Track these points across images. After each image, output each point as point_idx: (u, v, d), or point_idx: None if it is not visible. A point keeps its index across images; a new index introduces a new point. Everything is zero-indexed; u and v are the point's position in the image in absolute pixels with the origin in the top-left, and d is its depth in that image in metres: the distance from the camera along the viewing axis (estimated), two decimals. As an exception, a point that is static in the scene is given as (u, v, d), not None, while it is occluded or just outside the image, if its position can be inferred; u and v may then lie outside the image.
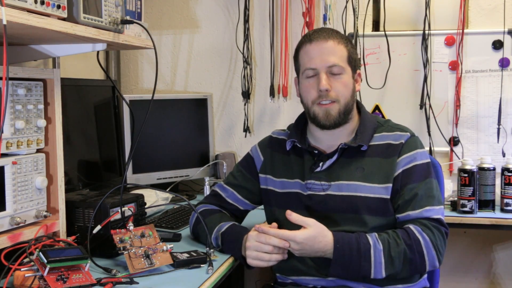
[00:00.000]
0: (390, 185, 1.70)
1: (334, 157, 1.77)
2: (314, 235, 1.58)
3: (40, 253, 1.39)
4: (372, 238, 1.62)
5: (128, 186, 2.37)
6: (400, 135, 1.77)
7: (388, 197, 1.70)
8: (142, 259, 1.61)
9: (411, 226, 1.65)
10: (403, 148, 1.74)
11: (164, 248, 1.67)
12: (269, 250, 1.61)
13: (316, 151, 1.81)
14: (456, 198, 2.47)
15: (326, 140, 1.80)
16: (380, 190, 1.70)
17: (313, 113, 1.77)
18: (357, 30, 2.76)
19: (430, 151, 2.74)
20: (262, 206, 1.94)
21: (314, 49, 1.75)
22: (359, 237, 1.62)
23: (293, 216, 1.61)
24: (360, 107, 1.85)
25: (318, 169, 1.78)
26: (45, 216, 1.61)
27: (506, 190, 2.44)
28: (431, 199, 1.69)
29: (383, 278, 1.62)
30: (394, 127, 1.81)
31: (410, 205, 1.68)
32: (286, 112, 2.90)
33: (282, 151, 1.87)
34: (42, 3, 1.36)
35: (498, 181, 2.48)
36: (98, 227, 1.70)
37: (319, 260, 1.71)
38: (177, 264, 1.66)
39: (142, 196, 1.92)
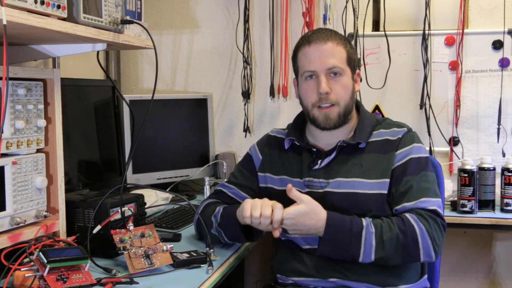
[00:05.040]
0: (388, 180, 1.71)
1: (333, 155, 1.77)
2: (306, 211, 1.58)
3: (40, 253, 1.40)
4: (366, 221, 1.62)
5: (128, 186, 2.37)
6: (397, 131, 1.78)
7: (386, 192, 1.70)
8: (142, 259, 1.61)
9: (407, 214, 1.64)
10: (400, 143, 1.75)
11: (164, 248, 1.67)
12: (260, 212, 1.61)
13: (314, 149, 1.81)
14: (456, 198, 2.47)
15: (325, 139, 1.81)
16: (379, 186, 1.70)
17: (312, 116, 1.77)
18: (357, 30, 2.76)
19: (430, 151, 2.74)
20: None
21: (313, 51, 1.75)
22: (353, 218, 1.62)
23: (292, 191, 1.61)
24: (359, 106, 1.85)
25: (317, 166, 1.78)
26: (45, 216, 1.61)
27: (506, 190, 2.44)
28: (426, 190, 1.69)
29: (372, 262, 1.60)
30: (392, 124, 1.82)
31: (405, 197, 1.67)
32: (286, 112, 2.90)
33: (281, 149, 1.88)
34: (42, 3, 1.36)
35: (498, 181, 2.48)
36: (98, 227, 1.70)
37: (320, 261, 1.71)
38: (177, 264, 1.66)
39: (142, 196, 1.92)
